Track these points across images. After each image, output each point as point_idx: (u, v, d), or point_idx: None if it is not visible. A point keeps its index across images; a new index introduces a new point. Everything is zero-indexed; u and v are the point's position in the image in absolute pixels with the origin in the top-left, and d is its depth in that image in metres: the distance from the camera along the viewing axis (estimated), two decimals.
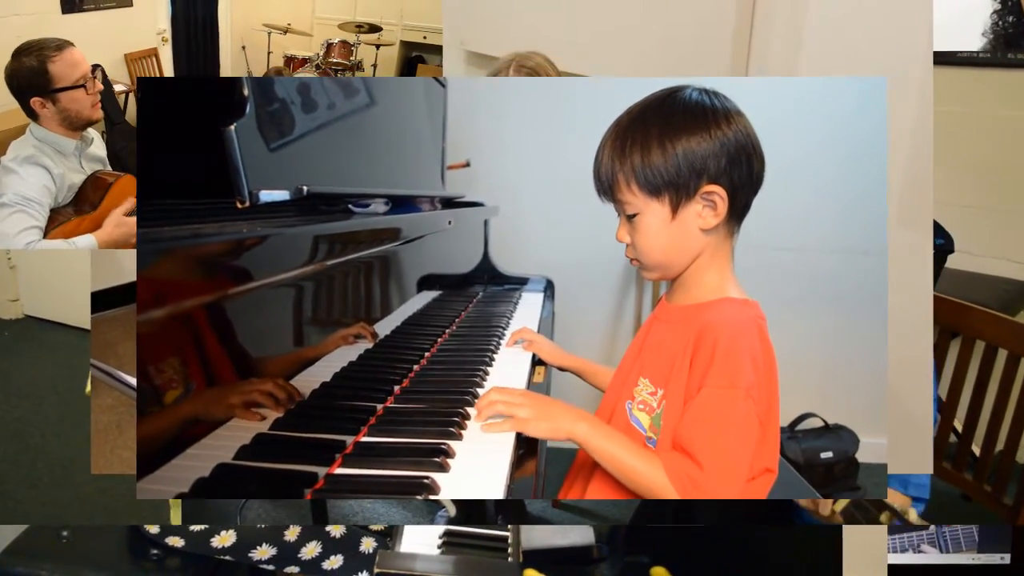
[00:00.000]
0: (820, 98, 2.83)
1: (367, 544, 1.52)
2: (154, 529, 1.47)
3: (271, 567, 1.48)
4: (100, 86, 1.92)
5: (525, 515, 2.39)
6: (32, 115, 1.87)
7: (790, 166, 2.74)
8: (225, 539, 1.46)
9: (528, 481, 1.07)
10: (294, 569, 1.48)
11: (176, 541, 1.47)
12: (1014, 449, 1.79)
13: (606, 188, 1.09)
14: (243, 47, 4.67)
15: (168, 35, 4.26)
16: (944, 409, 1.90)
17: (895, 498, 1.46)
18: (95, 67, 1.93)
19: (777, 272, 2.81)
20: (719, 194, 1.03)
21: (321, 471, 1.00)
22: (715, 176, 1.03)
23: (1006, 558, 1.64)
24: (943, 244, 1.87)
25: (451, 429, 1.13)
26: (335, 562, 1.49)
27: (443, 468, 1.02)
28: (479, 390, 1.36)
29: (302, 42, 4.57)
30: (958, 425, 1.94)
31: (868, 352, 2.70)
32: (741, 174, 1.04)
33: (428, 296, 1.85)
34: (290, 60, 4.34)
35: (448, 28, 2.50)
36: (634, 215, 1.07)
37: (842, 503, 1.28)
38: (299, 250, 1.17)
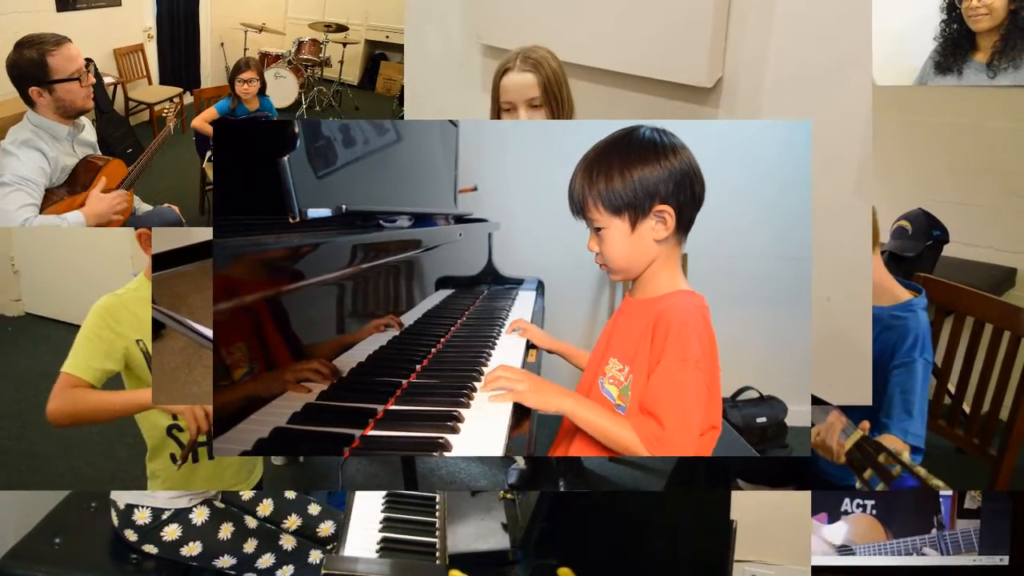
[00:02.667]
0: (761, 137, 2.85)
1: (315, 556, 1.52)
2: (133, 537, 1.45)
3: (232, 573, 1.48)
4: (92, 79, 1.77)
5: (583, 471, 2.44)
6: (30, 103, 1.72)
7: (738, 191, 2.77)
8: (193, 549, 1.45)
9: (522, 439, 1.08)
10: None
11: (151, 548, 1.45)
12: (998, 409, 1.77)
13: (578, 208, 1.11)
14: (222, 44, 4.39)
15: (153, 32, 4.06)
16: (940, 375, 1.84)
17: (895, 443, 1.36)
18: (87, 61, 1.77)
19: (725, 274, 2.82)
20: (668, 212, 1.05)
21: (357, 433, 1.02)
22: (665, 197, 1.04)
23: (1005, 560, 1.57)
24: (940, 235, 1.81)
25: (461, 399, 1.14)
26: (287, 571, 1.49)
27: (455, 430, 1.03)
28: (484, 368, 1.37)
29: (276, 40, 4.27)
30: (952, 388, 1.90)
31: (795, 337, 2.72)
32: (686, 195, 1.06)
33: (443, 293, 1.87)
34: (264, 56, 4.07)
35: (411, 29, 2.35)
36: (600, 229, 1.09)
37: (849, 443, 1.22)
38: (341, 256, 1.19)
